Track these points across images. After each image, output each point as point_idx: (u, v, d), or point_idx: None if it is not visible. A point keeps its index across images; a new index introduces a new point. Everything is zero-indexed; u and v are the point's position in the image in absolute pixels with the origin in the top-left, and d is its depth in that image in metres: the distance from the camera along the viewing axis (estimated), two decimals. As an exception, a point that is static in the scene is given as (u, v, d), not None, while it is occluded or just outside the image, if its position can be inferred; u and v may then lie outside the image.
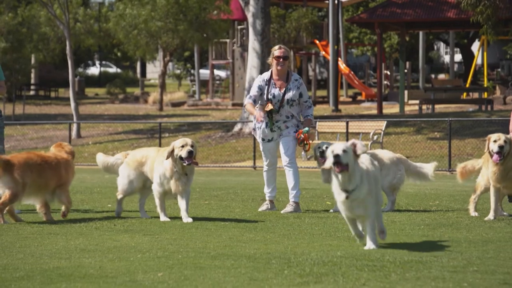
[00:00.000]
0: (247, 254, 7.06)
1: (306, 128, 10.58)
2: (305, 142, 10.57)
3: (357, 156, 6.99)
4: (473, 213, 10.17)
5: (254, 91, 10.71)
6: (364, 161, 7.19)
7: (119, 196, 10.16)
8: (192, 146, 9.68)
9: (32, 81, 53.36)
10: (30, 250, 7.42)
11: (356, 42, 55.10)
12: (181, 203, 9.64)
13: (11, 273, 6.24)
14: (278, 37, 41.81)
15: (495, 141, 9.62)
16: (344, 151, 6.91)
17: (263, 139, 10.77)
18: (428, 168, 10.95)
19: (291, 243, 7.79)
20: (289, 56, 10.83)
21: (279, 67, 10.65)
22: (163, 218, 9.77)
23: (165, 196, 9.79)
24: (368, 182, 7.09)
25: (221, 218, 9.97)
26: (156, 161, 9.81)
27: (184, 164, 9.59)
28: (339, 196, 7.14)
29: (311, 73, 49.80)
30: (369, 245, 7.27)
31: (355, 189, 7.04)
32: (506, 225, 9.24)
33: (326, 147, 10.59)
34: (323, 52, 43.89)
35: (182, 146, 9.66)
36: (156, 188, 9.76)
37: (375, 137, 24.30)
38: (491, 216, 9.76)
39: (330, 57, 39.22)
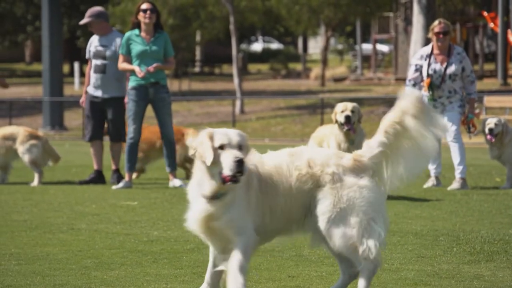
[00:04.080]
0: (414, 231, 6.96)
1: (471, 115, 10.36)
2: (470, 126, 10.40)
3: None
4: None
5: (411, 73, 10.52)
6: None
7: None
8: (352, 111, 9.08)
9: (197, 57, 54.64)
10: (199, 222, 7.60)
11: (526, 13, 52.89)
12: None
13: (182, 245, 6.43)
14: (444, 9, 40.76)
15: None
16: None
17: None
18: None
19: (459, 220, 7.61)
20: (450, 31, 10.48)
21: (439, 43, 10.37)
22: None
23: None
24: None
25: (385, 194, 9.83)
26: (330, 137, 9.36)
27: (343, 130, 9.13)
28: None
29: (478, 46, 48.32)
30: None
31: None
32: None
33: (496, 124, 10.38)
34: (491, 24, 42.40)
35: (342, 111, 9.14)
36: None
37: (546, 111, 23.35)
38: None
39: (498, 29, 37.89)
